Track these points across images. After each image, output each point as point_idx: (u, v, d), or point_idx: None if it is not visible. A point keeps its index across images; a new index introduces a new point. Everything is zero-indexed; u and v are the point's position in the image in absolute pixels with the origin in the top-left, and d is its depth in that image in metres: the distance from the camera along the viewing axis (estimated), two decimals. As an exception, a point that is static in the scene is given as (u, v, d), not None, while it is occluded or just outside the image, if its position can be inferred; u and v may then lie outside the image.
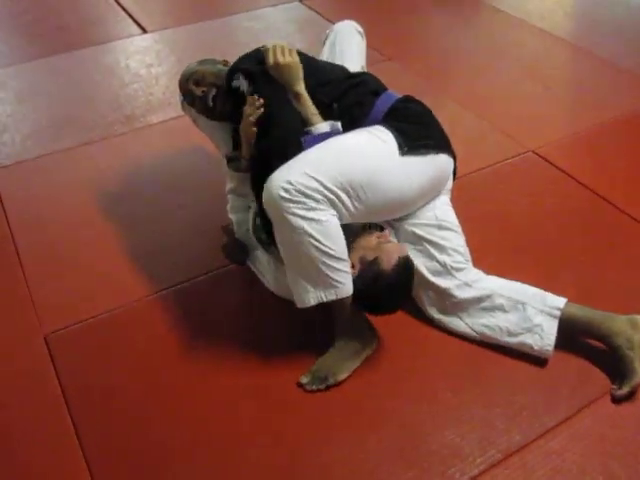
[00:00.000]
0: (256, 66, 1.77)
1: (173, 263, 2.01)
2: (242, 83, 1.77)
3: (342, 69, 1.87)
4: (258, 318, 1.84)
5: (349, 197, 1.54)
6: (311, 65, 1.79)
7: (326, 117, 1.69)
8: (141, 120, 2.74)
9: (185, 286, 1.93)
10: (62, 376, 1.68)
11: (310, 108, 1.69)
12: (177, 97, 2.06)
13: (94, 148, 2.59)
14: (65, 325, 1.82)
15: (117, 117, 2.76)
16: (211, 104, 1.83)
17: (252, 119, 1.68)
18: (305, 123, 1.68)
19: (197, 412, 1.59)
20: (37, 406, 1.62)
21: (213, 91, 1.82)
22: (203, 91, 1.83)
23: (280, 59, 1.72)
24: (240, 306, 1.90)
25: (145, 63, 3.19)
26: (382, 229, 1.71)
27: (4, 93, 2.98)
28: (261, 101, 1.68)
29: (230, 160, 1.86)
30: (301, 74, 1.73)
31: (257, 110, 1.68)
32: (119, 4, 3.83)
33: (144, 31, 3.53)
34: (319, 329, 1.74)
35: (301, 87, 1.71)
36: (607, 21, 3.48)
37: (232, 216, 1.96)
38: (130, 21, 3.64)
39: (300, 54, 1.78)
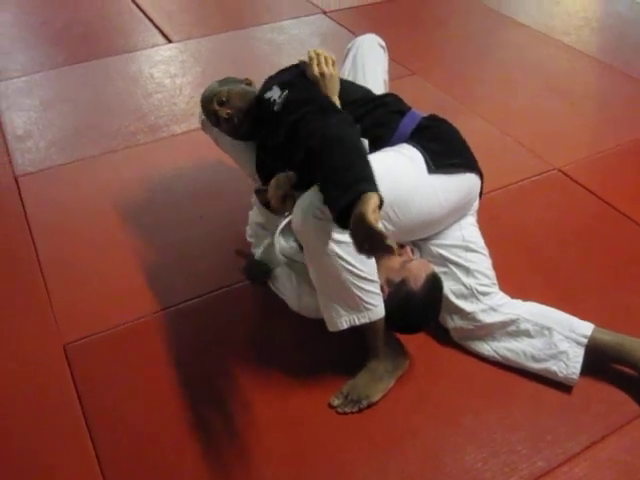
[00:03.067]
0: (293, 76, 1.75)
1: (193, 275, 2.00)
2: (275, 92, 1.71)
3: (367, 91, 1.85)
4: (278, 335, 1.82)
5: (379, 218, 1.52)
6: None
7: None
8: (164, 130, 2.75)
9: (205, 299, 1.92)
10: (80, 386, 1.68)
11: None
12: (200, 108, 2.05)
13: (117, 157, 2.59)
14: (84, 335, 1.82)
15: (140, 126, 2.77)
16: (237, 125, 1.78)
17: (280, 193, 1.60)
18: None
19: (213, 426, 1.58)
20: (54, 416, 1.62)
21: (239, 115, 1.77)
22: (228, 113, 1.77)
23: (325, 69, 1.70)
24: (260, 322, 1.89)
25: (169, 73, 3.21)
26: (402, 245, 1.69)
27: (30, 100, 3.01)
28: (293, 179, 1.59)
29: (259, 192, 1.80)
30: (338, 88, 1.72)
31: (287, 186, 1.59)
32: (145, 14, 3.86)
33: (169, 41, 3.55)
34: (341, 348, 1.72)
35: (337, 101, 1.70)
36: (634, 38, 3.44)
37: (252, 239, 1.96)
38: (155, 31, 3.67)
39: None
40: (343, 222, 1.33)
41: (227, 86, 1.83)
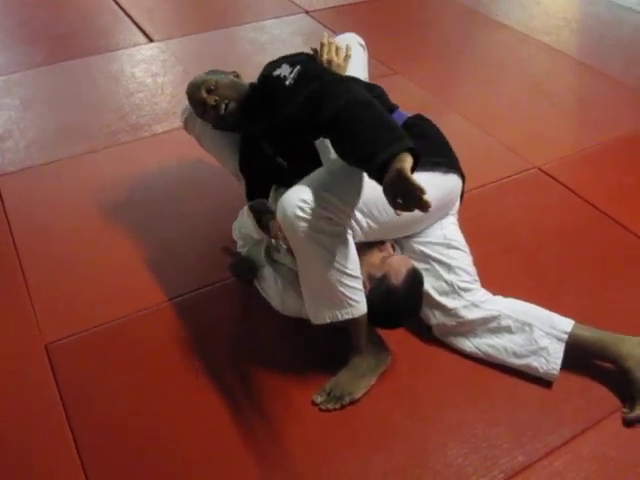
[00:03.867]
0: (300, 58, 1.78)
1: (176, 273, 2.00)
2: (285, 69, 1.71)
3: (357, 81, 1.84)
4: (262, 333, 1.82)
5: (363, 215, 1.53)
6: None
7: None
8: (146, 129, 2.73)
9: (190, 297, 1.91)
10: (62, 386, 1.67)
11: None
12: (182, 108, 2.04)
13: (98, 156, 2.58)
14: (66, 335, 1.80)
15: (122, 126, 2.76)
16: (225, 113, 1.77)
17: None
18: None
19: (198, 426, 1.57)
20: (36, 416, 1.60)
21: (228, 103, 1.75)
22: (216, 100, 1.76)
23: (334, 58, 1.75)
24: (244, 320, 1.88)
25: (151, 72, 3.19)
26: (382, 242, 1.69)
27: (10, 99, 2.98)
28: None
29: (252, 207, 1.79)
30: None
31: None
32: (126, 13, 3.84)
33: (150, 40, 3.53)
34: (323, 346, 1.73)
35: None
36: (613, 39, 3.49)
37: (239, 240, 1.96)
38: (137, 30, 3.65)
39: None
40: (376, 177, 1.36)
41: (216, 75, 1.83)
